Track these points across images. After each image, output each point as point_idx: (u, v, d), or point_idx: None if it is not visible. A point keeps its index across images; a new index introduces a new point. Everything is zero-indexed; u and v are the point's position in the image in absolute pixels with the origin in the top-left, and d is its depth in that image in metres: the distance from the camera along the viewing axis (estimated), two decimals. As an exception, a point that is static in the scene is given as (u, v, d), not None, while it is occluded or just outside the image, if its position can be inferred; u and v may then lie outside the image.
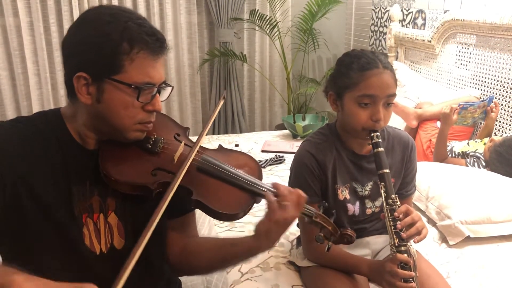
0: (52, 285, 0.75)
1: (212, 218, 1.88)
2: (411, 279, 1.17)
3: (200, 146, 1.08)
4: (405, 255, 1.18)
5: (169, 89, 1.02)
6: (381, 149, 1.27)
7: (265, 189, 1.03)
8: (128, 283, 1.06)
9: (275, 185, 1.04)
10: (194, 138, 1.14)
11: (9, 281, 0.74)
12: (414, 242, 1.21)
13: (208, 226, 1.85)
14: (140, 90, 0.93)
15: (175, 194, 0.94)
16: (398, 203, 1.22)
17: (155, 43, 0.94)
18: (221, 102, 1.21)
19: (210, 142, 3.09)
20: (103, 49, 0.91)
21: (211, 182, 1.03)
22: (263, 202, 1.03)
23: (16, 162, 0.92)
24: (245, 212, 1.02)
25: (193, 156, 1.01)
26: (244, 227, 1.84)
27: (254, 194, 1.03)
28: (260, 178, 1.09)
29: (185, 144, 1.07)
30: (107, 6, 0.98)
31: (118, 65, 0.91)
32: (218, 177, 1.04)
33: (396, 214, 1.20)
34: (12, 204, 0.91)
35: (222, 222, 1.90)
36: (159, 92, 0.98)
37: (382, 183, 1.25)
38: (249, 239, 1.04)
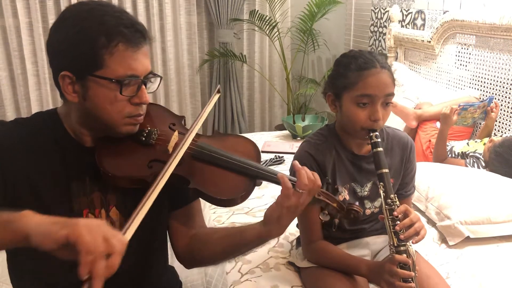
0: (62, 218, 0.75)
1: (212, 219, 1.90)
2: (410, 279, 1.17)
3: (195, 133, 1.06)
4: (404, 255, 1.18)
5: (157, 80, 1.01)
6: (380, 148, 1.27)
7: (266, 173, 1.02)
8: (129, 283, 1.07)
9: (297, 169, 1.00)
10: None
11: (19, 215, 0.75)
12: (413, 242, 1.21)
13: (208, 225, 1.85)
14: (121, 83, 0.92)
15: (173, 185, 0.94)
16: (397, 203, 1.22)
17: (134, 34, 0.93)
18: (216, 96, 1.18)
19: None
20: (82, 46, 0.90)
21: (208, 169, 1.03)
22: (264, 200, 1.03)
23: (17, 160, 0.93)
24: (244, 197, 1.01)
25: (187, 144, 1.00)
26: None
27: (252, 177, 1.03)
28: (259, 160, 1.08)
29: (179, 133, 1.07)
30: (86, 2, 0.97)
31: (98, 61, 0.91)
32: (214, 164, 1.03)
33: (395, 213, 1.20)
34: (13, 201, 0.92)
35: (222, 223, 1.90)
36: (144, 83, 0.97)
37: (381, 183, 1.25)
38: (258, 225, 1.03)
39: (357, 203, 1.10)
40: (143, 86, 0.97)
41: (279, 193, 0.99)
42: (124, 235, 0.77)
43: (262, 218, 1.03)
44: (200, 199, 1.06)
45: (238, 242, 1.06)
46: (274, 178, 1.01)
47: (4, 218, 0.76)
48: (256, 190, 1.10)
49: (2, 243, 0.77)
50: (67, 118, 1.01)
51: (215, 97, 1.18)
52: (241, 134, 1.20)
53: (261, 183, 1.05)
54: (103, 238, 0.71)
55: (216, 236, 1.12)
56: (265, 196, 2.04)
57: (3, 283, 1.44)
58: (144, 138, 1.02)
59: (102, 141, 1.01)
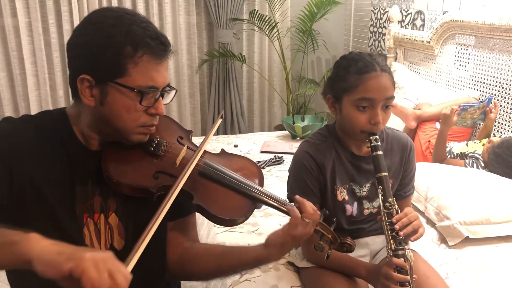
0: (68, 248, 0.73)
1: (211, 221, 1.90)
2: (407, 283, 1.17)
3: (203, 150, 1.08)
4: (402, 259, 1.18)
5: (172, 92, 1.02)
6: (380, 152, 1.27)
7: (268, 198, 1.04)
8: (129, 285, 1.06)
9: (300, 201, 1.04)
10: (195, 141, 1.14)
11: (25, 238, 0.74)
12: (411, 240, 1.21)
13: (207, 227, 1.85)
14: (143, 94, 0.93)
15: (176, 197, 0.94)
16: (396, 206, 1.23)
17: (159, 46, 0.94)
18: (219, 121, 1.20)
19: (210, 143, 3.09)
20: (107, 52, 0.91)
21: (212, 187, 1.04)
22: (263, 207, 1.03)
23: (24, 159, 0.93)
24: (245, 218, 1.03)
25: (195, 162, 1.02)
26: (243, 227, 1.83)
27: (254, 200, 1.04)
28: (262, 183, 1.10)
29: (187, 148, 1.07)
30: (112, 9, 0.97)
31: (121, 69, 0.92)
32: (219, 182, 1.04)
33: (394, 220, 1.20)
34: (17, 200, 0.92)
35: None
36: (162, 95, 0.98)
37: (380, 186, 1.25)
38: (259, 247, 1.04)
39: (349, 238, 1.11)
40: (161, 98, 0.98)
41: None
42: (128, 266, 0.78)
43: (260, 218, 1.04)
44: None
45: (234, 262, 1.07)
46: (279, 207, 1.04)
47: (9, 239, 0.75)
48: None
49: (2, 264, 0.76)
50: (77, 120, 1.00)
51: (218, 122, 1.20)
52: (245, 156, 1.21)
53: (261, 206, 1.07)
54: (108, 273, 0.70)
55: (211, 252, 1.12)
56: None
57: (2, 283, 1.44)
58: (153, 149, 1.03)
59: (109, 146, 1.01)
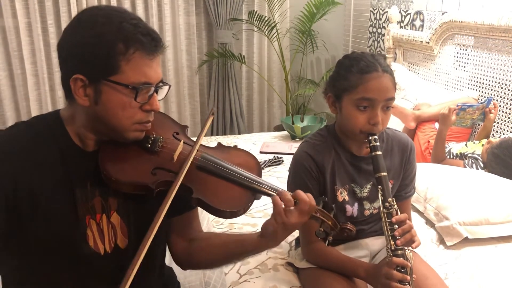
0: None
1: (210, 219, 1.90)
2: (407, 283, 1.17)
3: (200, 144, 1.08)
4: (401, 258, 1.18)
5: (166, 87, 1.02)
6: (379, 152, 1.27)
7: (267, 188, 1.05)
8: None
9: (279, 193, 1.03)
10: (192, 139, 1.14)
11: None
12: (412, 247, 1.22)
13: (206, 228, 1.86)
14: (137, 90, 0.93)
15: (176, 192, 0.95)
16: (395, 206, 1.23)
17: (150, 42, 0.94)
18: (211, 119, 1.19)
19: (209, 143, 3.09)
20: (99, 50, 0.91)
21: (211, 180, 1.04)
22: (263, 201, 1.04)
23: (17, 170, 0.92)
24: (245, 209, 1.03)
25: (192, 157, 1.02)
26: (242, 228, 1.84)
27: (254, 191, 1.05)
28: (260, 174, 1.10)
29: (184, 143, 1.08)
30: (101, 7, 0.97)
31: (114, 66, 0.91)
32: (217, 175, 1.05)
33: (393, 220, 1.20)
34: (14, 212, 0.92)
35: (220, 223, 1.90)
36: (156, 91, 0.98)
37: (379, 186, 1.25)
38: (256, 237, 1.06)
39: (349, 223, 1.12)
40: (155, 94, 0.97)
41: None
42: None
43: (260, 219, 1.05)
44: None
45: (236, 251, 1.10)
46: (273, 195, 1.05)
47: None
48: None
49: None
50: (71, 121, 1.00)
51: (210, 120, 1.18)
52: (243, 149, 1.21)
53: (261, 196, 1.08)
54: None
55: (214, 242, 1.15)
56: (263, 196, 2.03)
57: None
58: (149, 145, 1.03)
59: (105, 145, 1.01)
